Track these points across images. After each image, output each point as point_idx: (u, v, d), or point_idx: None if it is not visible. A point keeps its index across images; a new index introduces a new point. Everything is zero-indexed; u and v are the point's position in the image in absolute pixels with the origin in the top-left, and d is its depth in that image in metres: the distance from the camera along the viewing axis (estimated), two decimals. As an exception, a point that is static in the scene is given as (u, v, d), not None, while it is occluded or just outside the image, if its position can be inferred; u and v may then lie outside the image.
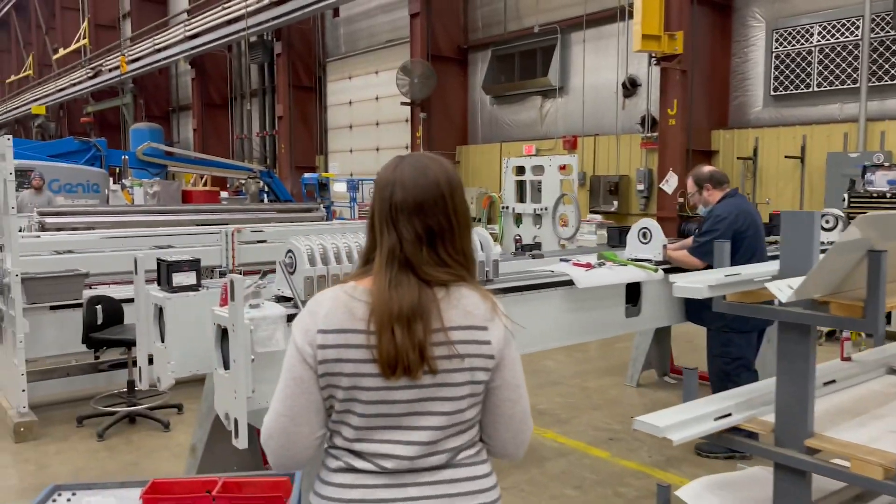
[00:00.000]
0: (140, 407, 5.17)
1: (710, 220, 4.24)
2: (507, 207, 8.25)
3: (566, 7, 13.54)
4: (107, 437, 4.89)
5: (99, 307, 5.04)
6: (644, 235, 4.49)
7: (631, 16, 11.79)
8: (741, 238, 4.17)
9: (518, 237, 8.23)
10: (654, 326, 4.56)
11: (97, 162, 13.47)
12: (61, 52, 31.30)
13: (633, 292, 4.33)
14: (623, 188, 12.47)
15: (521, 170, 8.36)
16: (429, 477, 1.45)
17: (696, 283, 2.33)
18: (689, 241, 4.84)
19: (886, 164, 8.33)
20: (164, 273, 3.37)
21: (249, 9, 18.40)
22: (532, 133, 14.41)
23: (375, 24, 18.04)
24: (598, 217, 11.15)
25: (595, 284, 3.94)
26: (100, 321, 5.02)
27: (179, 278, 3.37)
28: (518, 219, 8.42)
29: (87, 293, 5.36)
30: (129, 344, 4.88)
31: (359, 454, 1.46)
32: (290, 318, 2.94)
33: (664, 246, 4.39)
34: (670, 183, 10.99)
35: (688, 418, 2.35)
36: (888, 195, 8.00)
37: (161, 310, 3.34)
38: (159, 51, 23.53)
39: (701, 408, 2.44)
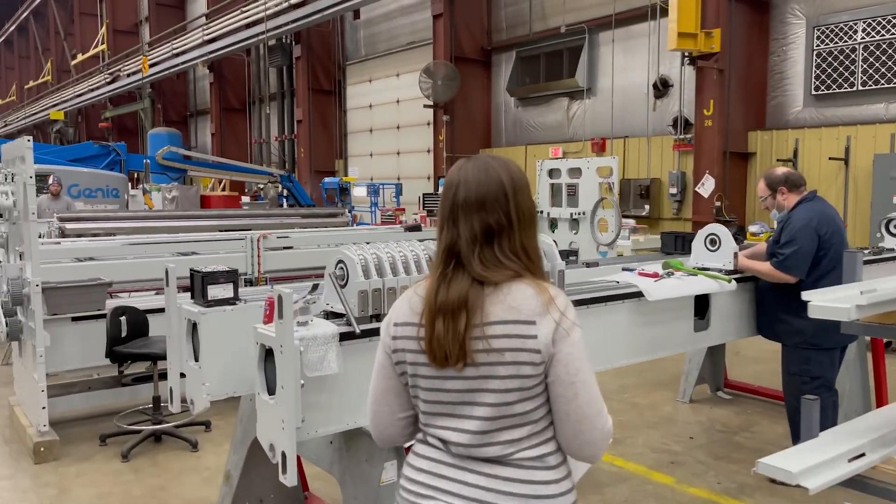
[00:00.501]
0: (166, 425, 4.87)
1: (790, 227, 3.85)
2: (542, 212, 7.88)
3: (594, 7, 13.18)
4: (131, 458, 4.59)
5: (123, 318, 4.75)
6: (712, 242, 4.13)
7: (662, 14, 11.45)
8: (827, 246, 3.80)
9: (554, 242, 7.86)
10: (724, 341, 4.21)
11: (116, 167, 13.27)
12: (80, 57, 31.34)
13: (700, 305, 3.97)
14: (654, 192, 12.08)
15: (554, 172, 8.00)
16: (487, 468, 1.51)
17: (837, 304, 1.97)
18: (760, 247, 4.47)
19: None
20: (199, 285, 3.05)
21: (268, 12, 18.20)
22: (558, 136, 14.05)
23: (396, 27, 17.77)
24: (632, 222, 10.75)
25: (667, 297, 3.58)
26: (124, 333, 4.73)
27: (215, 291, 3.06)
28: (553, 224, 8.06)
29: (110, 303, 5.07)
30: (155, 358, 4.58)
31: (429, 434, 1.59)
32: (344, 337, 2.62)
33: (736, 254, 4.02)
34: (706, 186, 10.60)
35: (819, 461, 1.99)
36: None
37: (195, 326, 3.03)
38: (177, 55, 23.42)
39: (828, 446, 2.08)
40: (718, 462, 4.49)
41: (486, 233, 1.50)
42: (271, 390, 2.58)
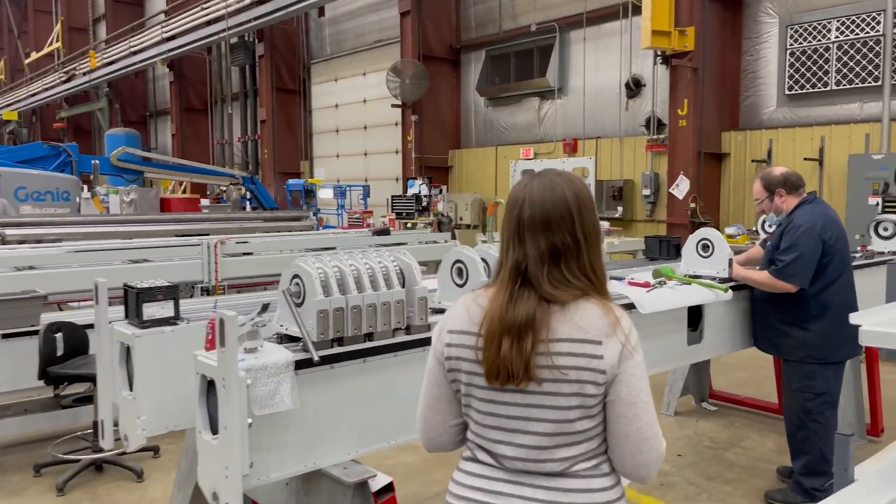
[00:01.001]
0: (108, 453, 4.40)
1: (791, 232, 3.55)
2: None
3: (565, 5, 12.93)
4: (68, 491, 4.13)
5: (59, 335, 4.27)
6: (705, 248, 3.83)
7: (634, 12, 11.23)
8: (832, 252, 3.52)
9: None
10: (717, 355, 3.91)
11: (68, 168, 12.59)
12: (34, 55, 30.24)
13: (692, 316, 3.66)
14: (627, 193, 11.85)
15: (528, 173, 7.72)
16: (544, 482, 1.51)
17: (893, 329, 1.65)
18: (755, 251, 4.19)
19: None
20: (134, 303, 2.64)
21: (230, 9, 17.62)
22: (529, 136, 13.77)
23: (363, 24, 17.34)
24: (606, 224, 10.50)
25: (661, 309, 3.27)
26: (60, 352, 4.25)
27: (152, 309, 2.64)
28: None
29: (50, 316, 4.59)
30: (94, 379, 4.12)
31: (482, 447, 1.57)
32: (300, 365, 2.24)
33: (731, 261, 3.72)
34: (681, 187, 10.39)
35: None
36: None
37: (129, 350, 2.61)
38: (135, 53, 22.64)
39: (875, 493, 1.76)
40: (711, 483, 4.20)
41: (553, 253, 1.50)
42: (215, 428, 2.18)
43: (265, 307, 2.18)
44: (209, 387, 2.19)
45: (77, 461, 4.34)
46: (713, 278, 3.72)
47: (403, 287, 2.49)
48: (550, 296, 1.48)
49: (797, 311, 3.55)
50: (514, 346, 1.46)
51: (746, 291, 3.86)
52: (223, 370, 2.06)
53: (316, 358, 2.21)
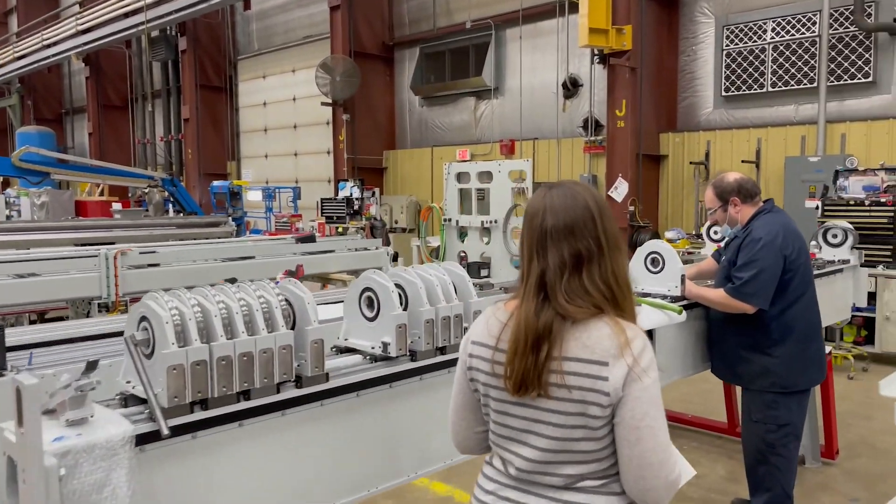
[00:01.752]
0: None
1: (749, 247, 3.15)
2: (450, 220, 7.09)
3: (500, 2, 12.55)
4: None
5: None
6: (654, 263, 3.41)
7: (571, 10, 10.92)
8: (794, 267, 3.13)
9: (463, 253, 7.09)
10: (668, 382, 3.51)
11: (-38, 170, 11.47)
12: (-63, 48, 28.15)
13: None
14: None
15: (463, 176, 7.23)
16: (550, 493, 1.54)
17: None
18: (707, 263, 3.80)
19: (861, 168, 7.65)
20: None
21: (149, 0, 16.59)
22: (466, 137, 13.34)
23: (292, 19, 16.58)
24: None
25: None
26: None
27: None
28: (463, 232, 7.28)
29: None
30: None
31: (497, 455, 1.65)
32: (146, 438, 1.68)
33: (683, 277, 3.31)
34: (619, 190, 10.13)
35: None
36: (866, 202, 7.30)
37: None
38: (48, 47, 21.20)
39: None
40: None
41: (576, 260, 1.51)
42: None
43: (91, 365, 1.61)
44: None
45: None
46: (664, 296, 3.31)
47: (293, 328, 1.95)
48: (564, 310, 1.48)
49: (758, 335, 3.17)
50: (530, 358, 1.48)
51: (701, 310, 3.47)
52: (23, 457, 1.49)
53: (165, 431, 1.65)
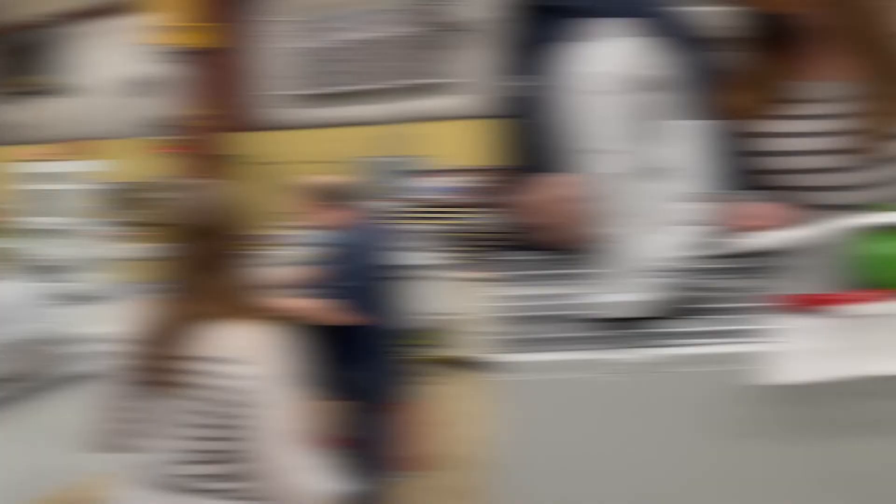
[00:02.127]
0: None
1: (344, 252, 2.92)
2: (19, 223, 6.78)
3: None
4: None
5: None
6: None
7: (144, 7, 10.70)
8: (389, 274, 3.02)
9: (35, 259, 6.87)
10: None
11: None
12: None
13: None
14: (137, 198, 11.15)
15: (31, 177, 6.98)
16: (184, 495, 1.51)
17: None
18: (286, 273, 3.17)
19: (434, 169, 7.69)
20: None
21: None
22: (33, 136, 12.16)
23: None
24: (120, 231, 9.80)
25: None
26: None
27: None
28: (33, 236, 7.02)
29: None
30: None
31: (133, 453, 1.60)
32: None
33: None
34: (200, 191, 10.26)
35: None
36: (445, 204, 7.41)
37: None
38: None
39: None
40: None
41: (210, 260, 1.59)
42: None
43: None
44: None
45: None
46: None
47: None
48: (196, 309, 1.53)
49: (357, 347, 2.89)
50: (163, 355, 1.51)
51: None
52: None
53: None
